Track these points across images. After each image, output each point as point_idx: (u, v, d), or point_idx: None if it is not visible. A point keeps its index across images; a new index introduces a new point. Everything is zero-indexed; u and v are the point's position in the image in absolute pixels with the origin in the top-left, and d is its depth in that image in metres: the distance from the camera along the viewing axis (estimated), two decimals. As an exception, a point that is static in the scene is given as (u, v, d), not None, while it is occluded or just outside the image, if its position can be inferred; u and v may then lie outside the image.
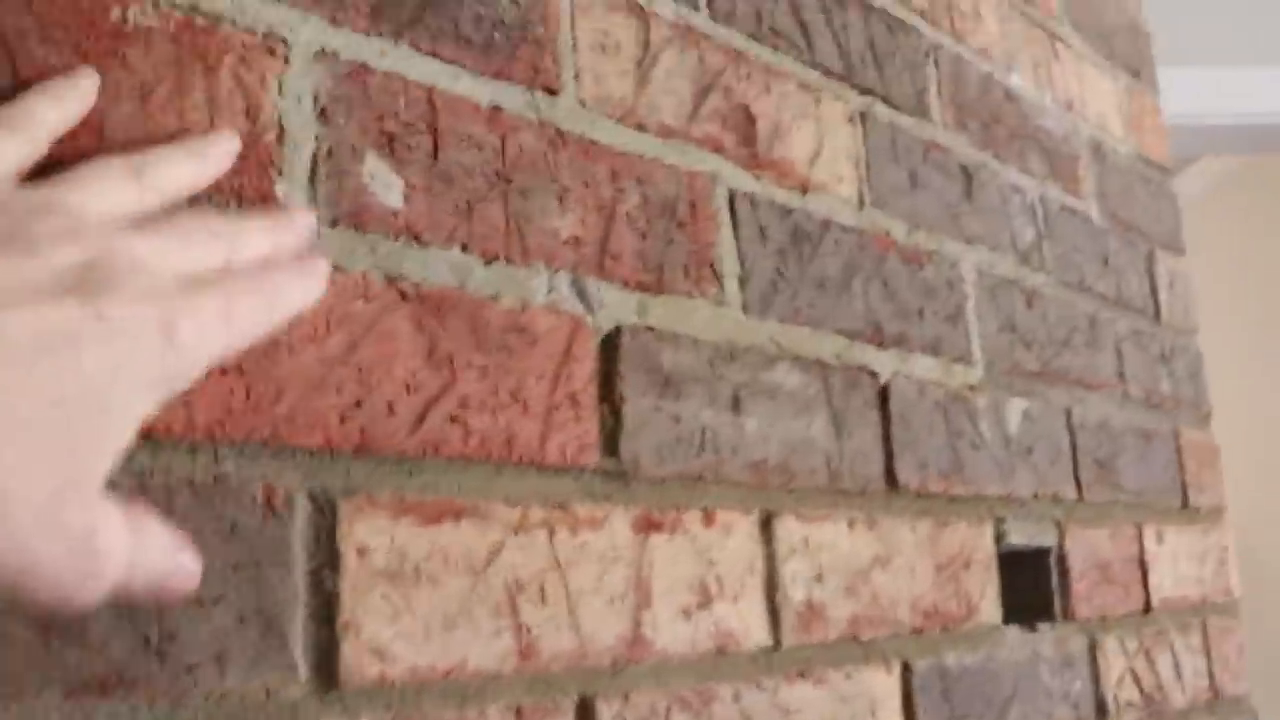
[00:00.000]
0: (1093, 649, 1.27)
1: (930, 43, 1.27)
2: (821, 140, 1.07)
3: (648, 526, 0.82)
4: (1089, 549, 1.30)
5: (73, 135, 0.58)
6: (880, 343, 1.07)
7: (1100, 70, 1.62)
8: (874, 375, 1.06)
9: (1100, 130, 1.57)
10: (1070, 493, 1.30)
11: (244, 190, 0.65)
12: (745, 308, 0.94)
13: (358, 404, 0.68)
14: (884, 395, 1.06)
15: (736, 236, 0.95)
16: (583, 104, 0.86)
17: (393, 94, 0.74)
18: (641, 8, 0.92)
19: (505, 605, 0.73)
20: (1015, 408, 1.24)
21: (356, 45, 0.72)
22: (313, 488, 0.65)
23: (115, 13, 0.61)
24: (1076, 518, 1.30)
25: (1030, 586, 1.25)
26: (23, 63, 0.57)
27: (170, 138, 0.62)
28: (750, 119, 1.00)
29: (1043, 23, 1.51)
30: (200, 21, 0.65)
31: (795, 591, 0.92)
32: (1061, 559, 1.26)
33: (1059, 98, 1.49)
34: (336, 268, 0.68)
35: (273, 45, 0.68)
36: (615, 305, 0.84)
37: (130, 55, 0.62)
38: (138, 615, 0.57)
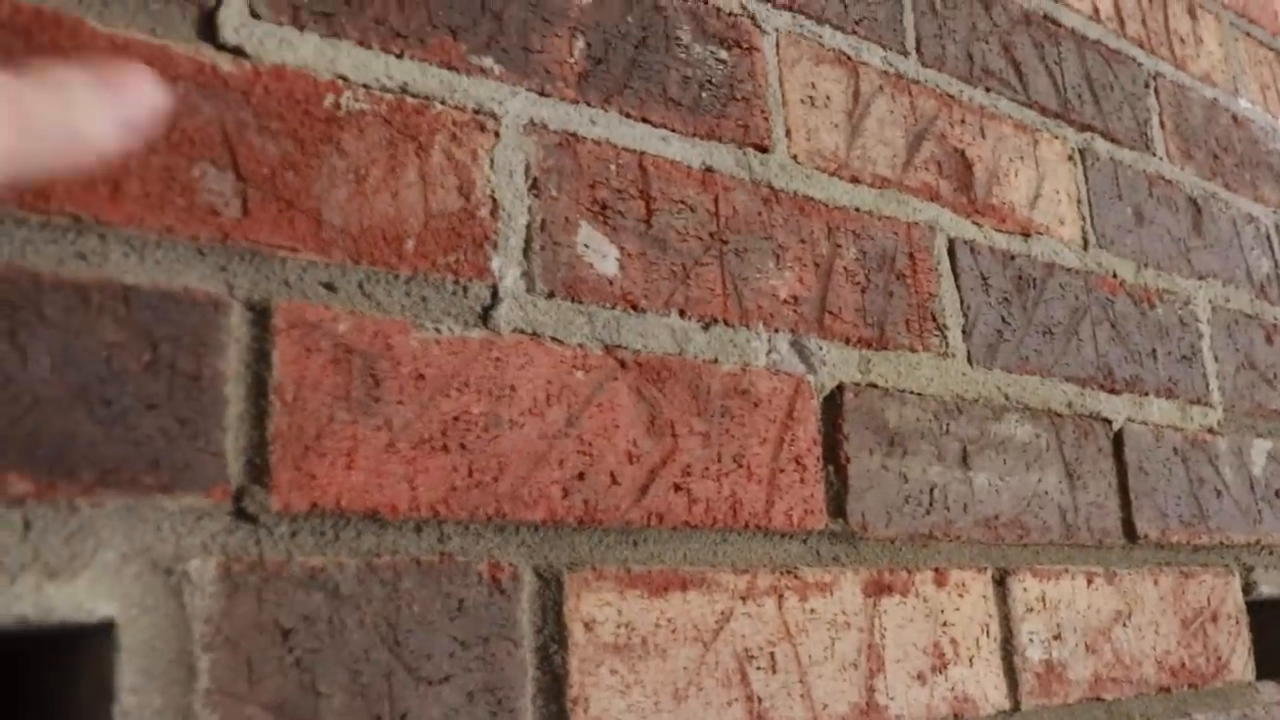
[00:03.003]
0: (1356, 703, 1.20)
1: (1149, 71, 1.22)
2: (1041, 181, 1.04)
3: (878, 589, 0.80)
4: (1346, 596, 1.22)
5: (291, 226, 0.59)
6: (1112, 388, 1.03)
7: (1333, 89, 1.54)
8: (1107, 423, 1.01)
9: (1336, 152, 1.49)
10: (1323, 537, 1.22)
11: (460, 268, 0.65)
12: (970, 359, 0.91)
13: (580, 476, 0.67)
14: (1118, 443, 1.02)
15: (958, 286, 0.92)
16: (795, 159, 0.84)
17: (603, 161, 0.73)
18: (849, 57, 0.91)
19: (735, 675, 0.71)
20: (1259, 449, 1.18)
21: (565, 115, 0.72)
22: (538, 562, 0.64)
23: (329, 99, 0.62)
24: (1331, 563, 1.22)
25: (1284, 639, 1.18)
26: (243, 154, 0.58)
27: (388, 219, 0.63)
28: (966, 164, 0.97)
29: (1269, 42, 1.44)
30: (411, 102, 0.65)
31: (1033, 652, 0.88)
32: (1317, 608, 1.19)
33: (1290, 121, 1.42)
34: (554, 339, 0.67)
35: (483, 120, 0.68)
36: (837, 363, 0.82)
37: (345, 140, 0.62)
38: (370, 693, 0.57)
